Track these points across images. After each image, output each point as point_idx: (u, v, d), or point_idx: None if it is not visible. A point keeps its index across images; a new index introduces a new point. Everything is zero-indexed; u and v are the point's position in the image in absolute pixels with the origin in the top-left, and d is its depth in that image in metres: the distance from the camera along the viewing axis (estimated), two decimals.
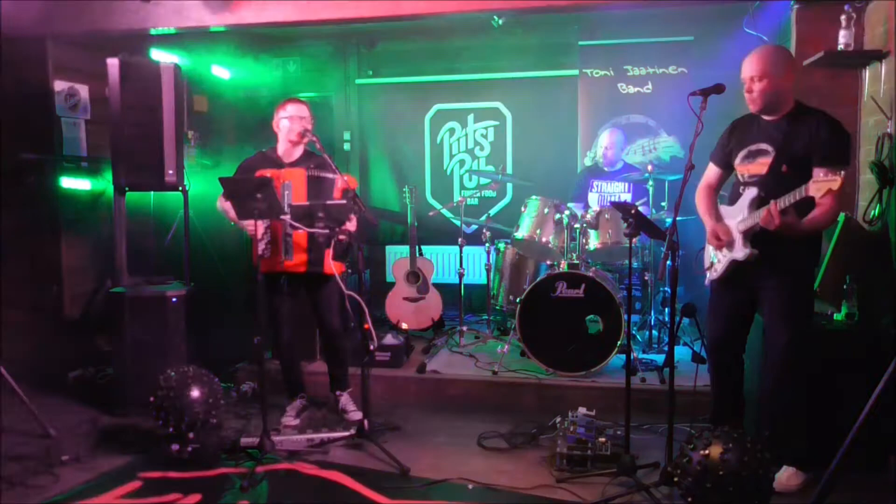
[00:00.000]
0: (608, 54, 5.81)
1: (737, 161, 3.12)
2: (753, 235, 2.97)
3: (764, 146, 3.01)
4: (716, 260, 3.17)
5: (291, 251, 3.71)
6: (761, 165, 3.01)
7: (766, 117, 3.04)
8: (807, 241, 2.96)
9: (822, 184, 2.62)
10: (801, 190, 2.71)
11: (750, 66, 2.96)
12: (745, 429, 3.05)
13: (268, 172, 3.67)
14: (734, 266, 3.05)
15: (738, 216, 3.04)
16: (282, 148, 3.87)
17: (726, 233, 3.06)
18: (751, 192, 2.99)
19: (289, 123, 3.80)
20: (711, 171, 3.29)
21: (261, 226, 3.59)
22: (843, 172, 2.62)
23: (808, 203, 2.79)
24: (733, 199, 3.13)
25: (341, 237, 3.57)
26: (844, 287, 3.34)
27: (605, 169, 5.21)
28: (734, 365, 3.23)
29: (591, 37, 5.90)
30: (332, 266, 3.68)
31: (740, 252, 2.99)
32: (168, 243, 5.03)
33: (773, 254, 2.94)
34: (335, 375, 4.05)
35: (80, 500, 3.04)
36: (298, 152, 3.87)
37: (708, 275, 3.23)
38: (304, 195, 3.69)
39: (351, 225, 3.61)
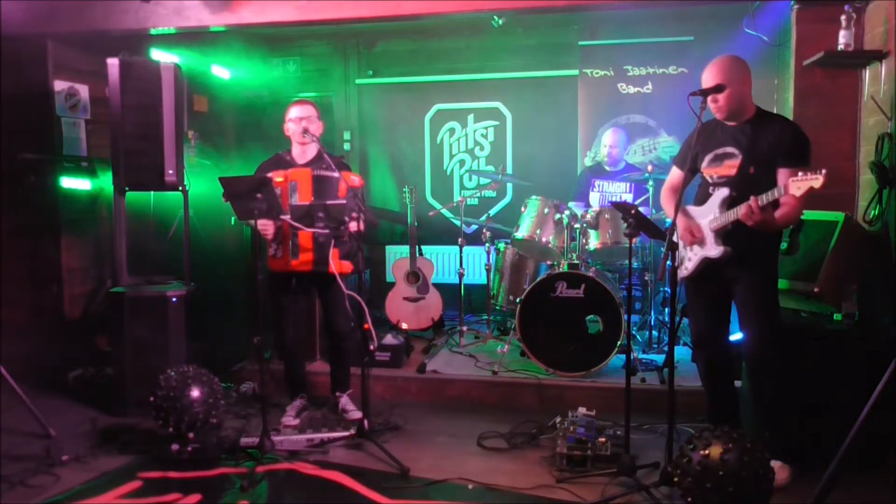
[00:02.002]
0: (608, 54, 5.81)
1: (703, 164, 3.17)
2: (725, 234, 3.02)
3: (730, 149, 3.07)
4: (686, 258, 3.21)
5: (298, 251, 3.72)
6: (729, 168, 3.07)
7: (729, 122, 3.10)
8: (769, 237, 3.02)
9: (802, 182, 2.69)
10: (780, 188, 2.80)
11: (710, 77, 3.00)
12: (744, 428, 3.06)
13: (280, 173, 3.71)
14: (706, 264, 3.10)
15: (708, 215, 3.10)
16: (295, 150, 3.90)
17: (699, 229, 3.12)
18: (722, 193, 3.05)
19: (293, 126, 3.83)
20: (675, 174, 3.36)
21: (272, 226, 3.61)
22: (824, 171, 2.67)
23: (775, 201, 2.88)
24: (702, 200, 3.18)
25: (344, 237, 3.58)
26: (844, 287, 3.34)
27: (608, 168, 5.21)
28: (721, 360, 3.26)
29: (591, 37, 5.90)
30: (334, 266, 3.67)
31: (714, 250, 3.05)
32: (168, 243, 5.03)
33: (742, 250, 3.01)
34: (337, 377, 4.05)
35: (80, 500, 3.04)
36: (311, 153, 3.89)
37: (679, 272, 3.25)
38: (310, 195, 3.70)
39: (354, 225, 3.62)
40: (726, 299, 3.20)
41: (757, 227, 2.86)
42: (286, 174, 3.73)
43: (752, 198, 2.84)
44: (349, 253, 3.81)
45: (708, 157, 3.15)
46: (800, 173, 2.73)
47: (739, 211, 2.90)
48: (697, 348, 3.34)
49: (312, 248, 3.72)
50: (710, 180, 3.16)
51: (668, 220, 3.09)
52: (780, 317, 3.17)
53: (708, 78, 3.00)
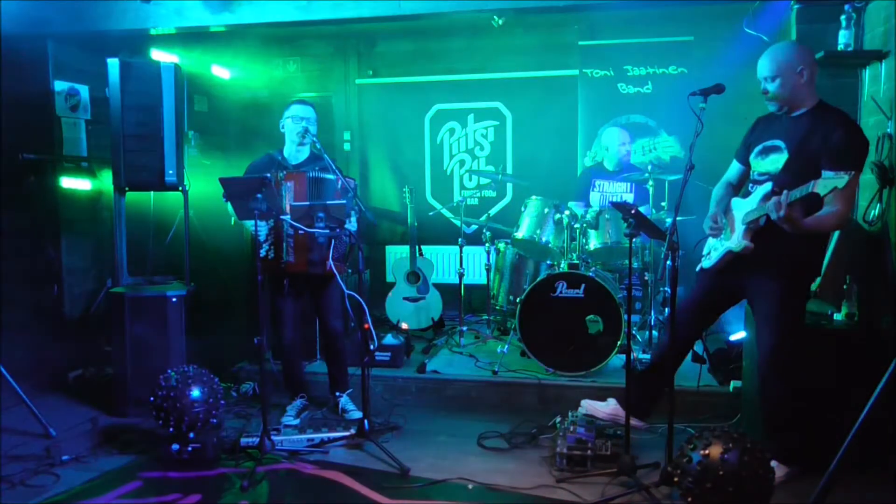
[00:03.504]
0: (608, 54, 5.80)
1: (752, 156, 3.15)
2: (755, 230, 2.97)
3: (778, 143, 3.03)
4: (713, 249, 3.20)
5: (293, 252, 3.71)
6: (773, 162, 3.03)
7: (787, 114, 3.04)
8: (808, 246, 2.96)
9: (828, 181, 2.62)
10: (808, 185, 2.71)
11: (762, 66, 2.97)
12: (744, 429, 3.07)
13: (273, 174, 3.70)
14: (729, 258, 3.07)
15: (746, 209, 3.05)
16: (288, 150, 3.89)
17: (731, 220, 3.08)
18: (765, 187, 2.99)
19: (292, 124, 3.82)
20: (733, 168, 3.32)
21: (264, 227, 3.60)
22: (852, 172, 2.63)
23: (816, 203, 2.81)
24: (745, 194, 3.16)
25: (342, 237, 3.58)
26: (844, 287, 3.34)
27: (610, 168, 5.19)
28: (678, 349, 3.25)
29: (591, 37, 5.90)
30: (333, 267, 3.67)
31: (737, 243, 3.01)
32: (168, 243, 5.03)
33: (772, 254, 2.95)
34: (335, 377, 4.05)
35: (80, 500, 3.04)
36: (304, 154, 3.89)
37: (702, 261, 3.25)
38: (305, 196, 3.69)
39: (352, 225, 3.62)
40: (728, 299, 3.20)
41: (784, 224, 2.79)
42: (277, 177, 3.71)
43: (785, 192, 2.77)
44: (343, 255, 3.81)
45: (757, 149, 3.11)
46: (833, 172, 2.64)
47: (768, 204, 2.83)
48: (668, 327, 3.33)
49: (309, 249, 3.72)
50: (752, 176, 3.13)
51: (669, 220, 3.08)
52: (801, 328, 3.11)
53: (760, 67, 2.97)
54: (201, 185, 4.75)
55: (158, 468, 3.35)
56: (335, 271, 3.67)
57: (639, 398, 3.34)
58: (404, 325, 5.32)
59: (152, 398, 3.43)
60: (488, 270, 5.21)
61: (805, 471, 3.03)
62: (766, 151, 3.07)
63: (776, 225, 2.84)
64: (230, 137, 6.28)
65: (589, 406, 3.48)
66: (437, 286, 5.46)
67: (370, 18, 4.46)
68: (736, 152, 3.32)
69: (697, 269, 3.29)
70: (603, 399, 3.73)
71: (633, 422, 3.22)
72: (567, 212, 4.53)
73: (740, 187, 3.32)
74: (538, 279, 4.36)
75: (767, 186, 2.97)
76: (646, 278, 4.92)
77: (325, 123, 6.30)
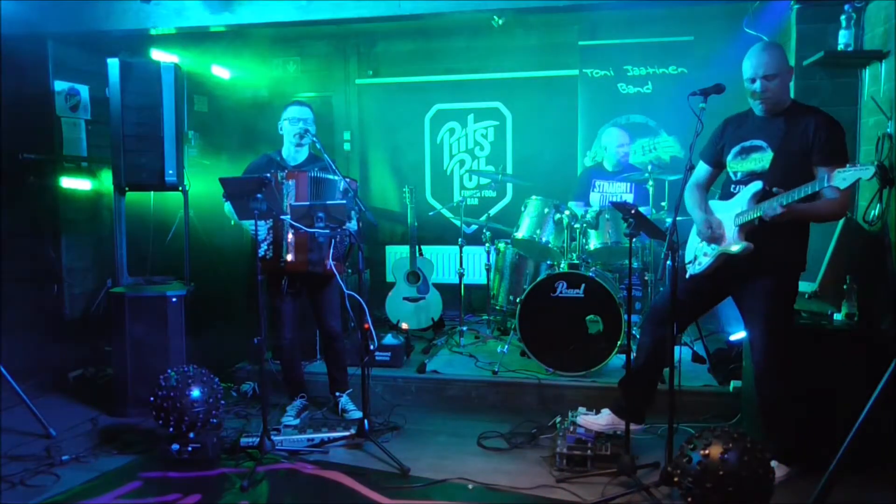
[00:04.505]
0: (608, 54, 5.81)
1: (729, 157, 3.12)
2: (749, 230, 2.97)
3: (759, 142, 3.02)
4: (700, 254, 3.17)
5: (292, 251, 3.71)
6: (755, 161, 3.02)
7: (762, 114, 3.04)
8: (794, 243, 2.98)
9: (849, 173, 2.58)
10: (822, 180, 2.69)
11: (761, 65, 2.92)
12: (744, 429, 3.06)
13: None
14: (722, 261, 3.05)
15: (735, 209, 3.02)
16: (287, 151, 3.89)
17: (720, 225, 3.07)
18: (754, 186, 2.97)
19: (290, 126, 3.83)
20: (701, 170, 3.29)
21: (263, 227, 3.60)
22: (875, 162, 2.62)
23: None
24: (727, 195, 3.14)
25: (342, 237, 3.58)
26: (844, 287, 3.34)
27: (609, 168, 5.19)
28: (665, 346, 3.20)
29: (591, 37, 5.90)
30: (332, 267, 3.67)
31: (735, 245, 2.99)
32: (168, 243, 5.03)
33: (763, 252, 2.94)
34: (335, 377, 4.05)
35: (80, 500, 3.04)
36: (303, 155, 3.89)
37: (689, 268, 3.23)
38: (306, 196, 3.69)
39: (353, 225, 3.62)
40: (711, 299, 3.22)
41: (791, 218, 2.80)
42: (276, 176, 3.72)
43: (786, 193, 2.77)
44: (343, 255, 3.81)
45: (735, 150, 3.09)
46: (848, 165, 2.64)
47: (768, 207, 2.83)
48: (651, 324, 3.34)
49: (308, 249, 3.72)
50: (734, 175, 3.11)
51: (669, 220, 3.07)
52: (791, 326, 3.13)
53: (756, 66, 2.92)
54: (201, 185, 4.75)
55: (158, 468, 3.35)
56: (335, 271, 3.68)
57: (631, 404, 3.34)
58: (404, 325, 5.32)
59: (152, 398, 3.43)
60: (488, 270, 5.21)
61: (805, 471, 3.03)
62: (747, 151, 3.05)
63: (766, 224, 2.86)
64: (230, 137, 6.27)
65: (584, 421, 3.43)
66: (437, 286, 5.46)
67: (370, 18, 4.47)
68: (701, 154, 3.27)
69: (686, 276, 3.26)
70: (598, 401, 3.74)
71: (631, 426, 3.21)
72: (567, 212, 4.53)
73: (708, 189, 3.31)
74: (538, 279, 4.36)
75: (757, 185, 2.96)
76: (646, 278, 4.93)
77: (325, 123, 6.31)
